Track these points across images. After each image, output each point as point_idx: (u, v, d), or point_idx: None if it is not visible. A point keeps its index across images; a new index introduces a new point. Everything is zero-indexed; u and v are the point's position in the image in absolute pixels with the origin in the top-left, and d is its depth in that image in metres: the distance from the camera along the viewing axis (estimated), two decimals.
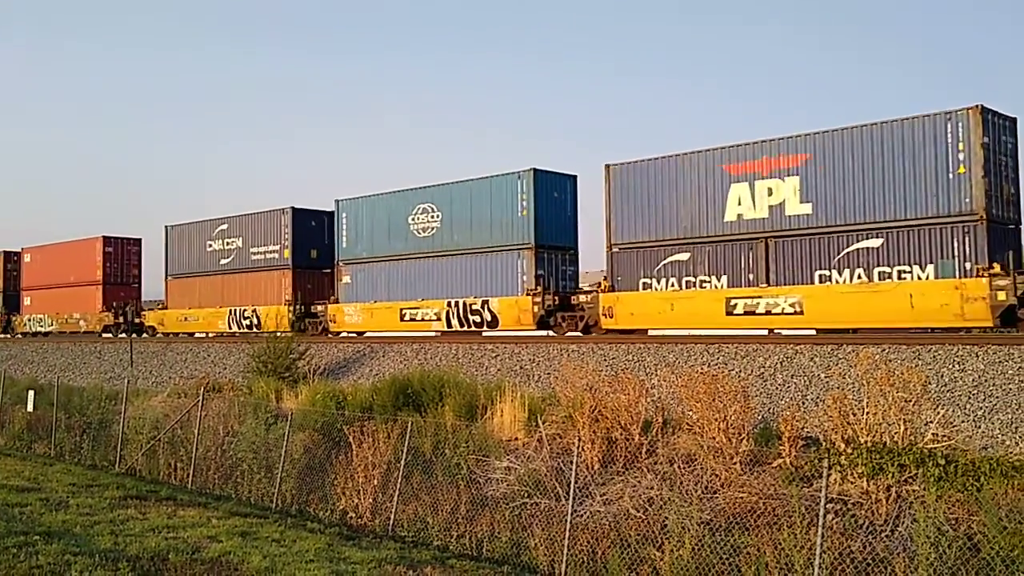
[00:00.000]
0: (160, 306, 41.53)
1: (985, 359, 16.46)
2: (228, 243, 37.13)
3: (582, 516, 11.87)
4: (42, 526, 11.94)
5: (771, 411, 15.80)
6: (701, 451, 12.32)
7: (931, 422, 11.20)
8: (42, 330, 47.35)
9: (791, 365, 18.44)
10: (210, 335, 37.84)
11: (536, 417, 14.91)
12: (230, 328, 36.45)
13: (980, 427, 14.21)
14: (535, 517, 12.08)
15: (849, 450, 10.78)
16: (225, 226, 37.49)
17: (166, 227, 40.59)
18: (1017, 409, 14.52)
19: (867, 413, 11.09)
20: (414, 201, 30.62)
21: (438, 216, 29.82)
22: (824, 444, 11.39)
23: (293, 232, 34.41)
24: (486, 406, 16.39)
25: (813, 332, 21.21)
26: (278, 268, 34.80)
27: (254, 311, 35.28)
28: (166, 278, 40.46)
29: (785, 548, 9.29)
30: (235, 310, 36.29)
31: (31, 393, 23.97)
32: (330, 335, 32.35)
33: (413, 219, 30.56)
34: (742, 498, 11.35)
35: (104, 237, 43.93)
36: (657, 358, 20.64)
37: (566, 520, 11.07)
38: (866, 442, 10.81)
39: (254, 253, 36.03)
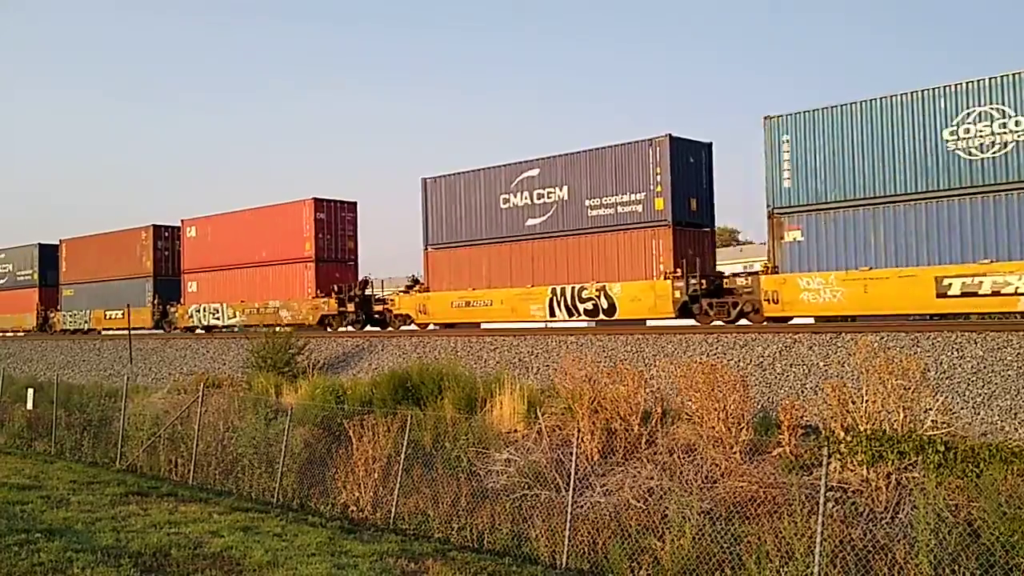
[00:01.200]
0: (416, 287, 30.77)
1: (984, 346, 16.48)
2: (541, 195, 27.09)
3: (582, 507, 11.89)
4: (43, 524, 11.95)
5: (770, 400, 15.81)
6: (701, 441, 12.33)
7: (930, 409, 11.21)
8: (219, 323, 37.21)
9: (790, 354, 18.46)
10: (503, 327, 28.07)
11: (535, 409, 14.92)
12: (552, 314, 26.61)
13: (979, 414, 14.23)
14: (535, 508, 12.10)
15: (849, 438, 10.80)
16: (534, 172, 27.43)
17: (424, 180, 30.26)
18: (1016, 395, 14.54)
19: (866, 401, 11.11)
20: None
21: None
22: (824, 432, 11.41)
23: (671, 171, 24.24)
24: (485, 399, 16.39)
25: None
26: (646, 226, 24.64)
27: (602, 290, 25.34)
28: (425, 248, 30.15)
29: (785, 536, 9.31)
30: (563, 289, 26.24)
31: (30, 391, 23.97)
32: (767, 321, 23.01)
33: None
34: (742, 487, 11.37)
35: (315, 200, 33.89)
36: (656, 348, 20.65)
37: (566, 511, 11.09)
38: (865, 430, 10.83)
39: (600, 207, 25.80)
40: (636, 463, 12.84)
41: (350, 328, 32.30)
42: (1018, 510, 8.79)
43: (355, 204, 35.28)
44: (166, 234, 41.25)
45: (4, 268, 52.13)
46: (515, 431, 15.25)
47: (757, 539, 9.62)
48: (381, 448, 13.75)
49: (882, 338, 17.35)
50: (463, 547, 11.65)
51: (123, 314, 38.19)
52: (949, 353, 16.58)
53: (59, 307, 46.83)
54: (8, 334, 50.52)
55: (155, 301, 40.32)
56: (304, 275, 33.97)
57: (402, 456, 13.25)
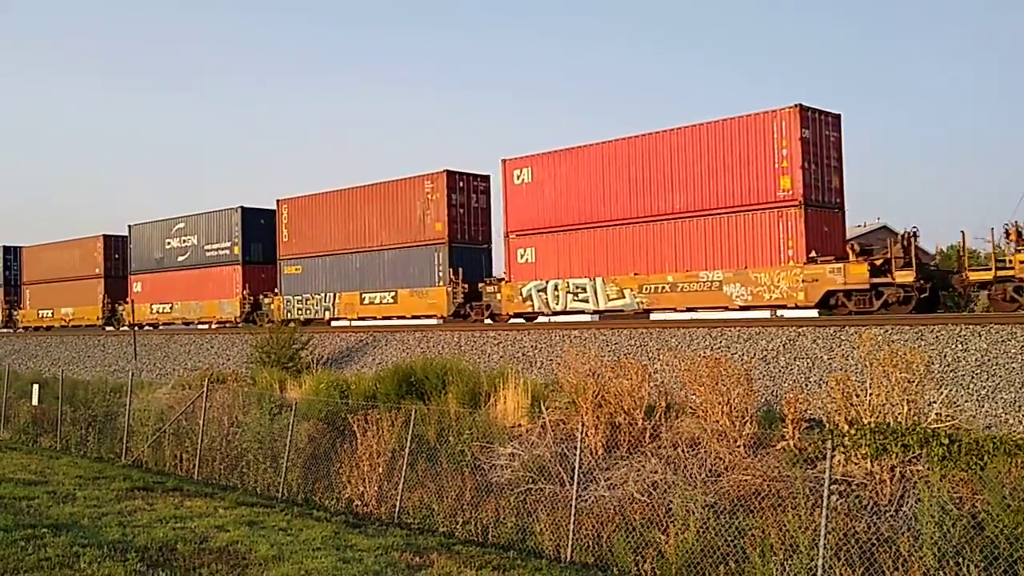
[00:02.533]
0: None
1: (988, 339, 16.46)
2: None
3: (587, 501, 11.92)
4: (50, 519, 12.00)
5: (774, 394, 15.82)
6: (705, 435, 12.35)
7: (934, 402, 11.21)
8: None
9: (793, 347, 18.46)
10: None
11: (539, 403, 14.94)
12: None
13: (983, 406, 14.22)
14: (540, 502, 12.13)
15: (853, 431, 10.80)
16: None
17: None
18: (1020, 388, 14.53)
19: (870, 394, 11.11)
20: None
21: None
22: (828, 426, 11.42)
23: None
24: (489, 393, 16.41)
25: None
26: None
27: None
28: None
29: (790, 530, 9.32)
30: None
31: (35, 387, 24.03)
32: None
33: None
34: (746, 481, 11.39)
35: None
36: (659, 342, 20.65)
37: (571, 505, 11.12)
38: (870, 423, 10.84)
39: None
40: (640, 457, 12.85)
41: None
42: (1022, 502, 8.80)
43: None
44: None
45: (186, 241, 40.86)
46: (519, 425, 15.26)
47: (761, 532, 9.64)
48: (385, 442, 13.78)
49: (886, 331, 17.34)
50: (468, 541, 11.68)
51: (392, 297, 31.39)
52: (953, 346, 16.56)
53: (279, 290, 35.94)
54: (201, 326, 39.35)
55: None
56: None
57: (406, 450, 13.28)
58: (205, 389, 17.71)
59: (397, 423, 14.09)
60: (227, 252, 38.06)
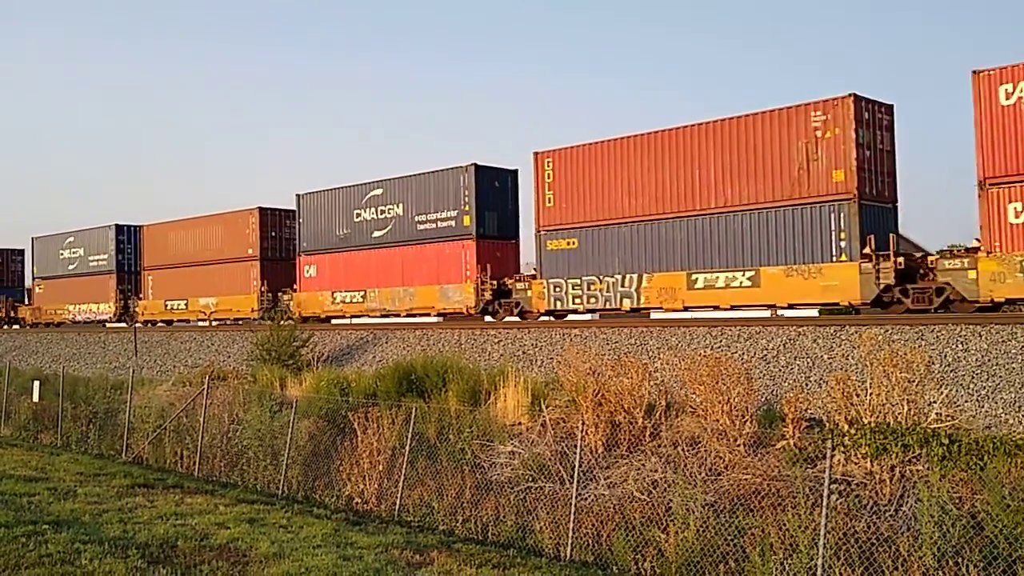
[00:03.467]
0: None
1: (988, 339, 16.47)
2: None
3: (586, 499, 11.93)
4: (51, 515, 12.02)
5: (774, 393, 15.83)
6: (705, 434, 12.36)
7: (934, 402, 11.22)
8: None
9: (794, 347, 18.47)
10: None
11: (540, 402, 14.95)
12: None
13: (983, 407, 14.23)
14: (540, 501, 12.14)
15: (853, 431, 10.82)
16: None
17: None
18: (1020, 388, 14.54)
19: (870, 394, 11.12)
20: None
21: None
22: (828, 425, 11.43)
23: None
24: (489, 391, 16.43)
25: None
26: None
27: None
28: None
29: (790, 529, 9.33)
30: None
31: (36, 383, 24.06)
32: None
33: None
34: (746, 480, 11.40)
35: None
36: (660, 341, 20.66)
37: (571, 503, 11.13)
38: (870, 423, 10.85)
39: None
40: (640, 456, 12.87)
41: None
42: (1022, 503, 8.81)
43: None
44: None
45: (386, 212, 36.99)
46: (519, 424, 15.28)
47: (761, 531, 9.65)
48: (386, 440, 13.79)
49: (887, 331, 17.35)
50: (468, 539, 11.70)
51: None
52: (953, 346, 16.57)
53: (537, 272, 29.78)
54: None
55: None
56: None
57: (407, 448, 13.29)
58: (206, 386, 17.73)
59: (397, 421, 14.10)
60: (452, 223, 29.84)
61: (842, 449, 10.72)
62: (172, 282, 41.35)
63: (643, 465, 12.56)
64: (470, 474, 13.28)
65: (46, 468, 16.38)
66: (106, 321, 44.26)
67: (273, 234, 37.39)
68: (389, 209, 32.04)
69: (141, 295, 43.40)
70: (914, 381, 10.94)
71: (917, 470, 10.26)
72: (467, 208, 29.64)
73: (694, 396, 12.94)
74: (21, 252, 55.07)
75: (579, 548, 10.90)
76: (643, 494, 11.73)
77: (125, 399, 20.03)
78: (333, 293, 33.51)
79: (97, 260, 45.90)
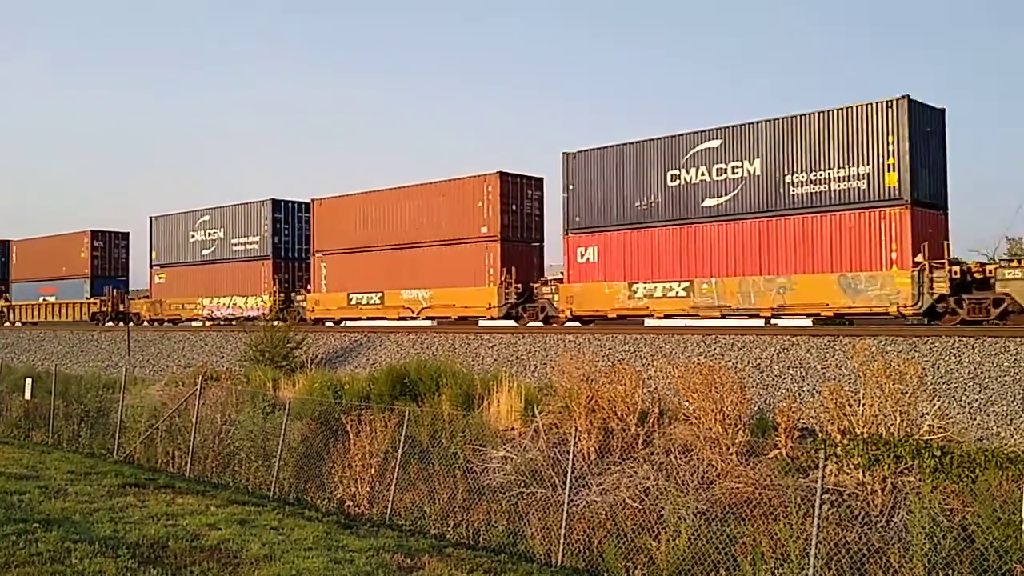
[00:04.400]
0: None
1: (981, 351, 16.52)
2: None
3: (578, 506, 11.93)
4: (41, 513, 11.98)
5: (767, 402, 15.85)
6: (697, 442, 12.37)
7: (927, 414, 11.25)
8: None
9: (787, 356, 18.50)
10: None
11: (533, 407, 14.95)
12: None
13: (976, 419, 14.27)
14: (532, 506, 12.14)
15: (845, 441, 10.83)
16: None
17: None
18: (1012, 401, 14.59)
19: (863, 404, 11.14)
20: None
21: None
22: (820, 435, 11.44)
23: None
24: (483, 396, 16.42)
25: None
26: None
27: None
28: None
29: (781, 538, 9.35)
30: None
31: (28, 381, 23.97)
32: None
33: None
34: (738, 488, 11.41)
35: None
36: (654, 348, 20.68)
37: (562, 509, 11.13)
38: (862, 433, 10.87)
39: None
40: (632, 463, 12.87)
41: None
42: (1012, 515, 8.84)
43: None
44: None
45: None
46: (512, 429, 15.28)
47: (752, 540, 9.67)
48: (378, 443, 13.78)
49: (880, 342, 17.40)
50: (459, 543, 11.69)
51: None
52: (947, 358, 16.62)
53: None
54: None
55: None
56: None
57: (399, 452, 13.28)
58: (199, 387, 17.70)
59: (390, 424, 14.09)
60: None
61: (834, 459, 10.73)
62: (356, 270, 32.96)
63: (635, 472, 12.56)
64: (462, 479, 13.27)
65: (37, 466, 16.33)
66: (258, 318, 34.46)
67: (514, 207, 28.92)
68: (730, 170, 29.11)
69: (310, 286, 34.89)
70: (907, 392, 10.97)
71: (909, 481, 10.27)
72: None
73: (687, 404, 12.95)
74: (126, 236, 48.33)
75: (570, 554, 10.90)
76: (635, 501, 11.74)
77: (117, 398, 19.98)
78: (632, 284, 25.28)
79: (244, 243, 37.67)
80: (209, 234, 39.65)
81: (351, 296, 33.17)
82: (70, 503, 12.82)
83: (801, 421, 12.55)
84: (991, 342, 16.80)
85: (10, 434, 21.95)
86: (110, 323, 42.75)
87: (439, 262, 30.12)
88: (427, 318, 30.70)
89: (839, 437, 10.99)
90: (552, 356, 20.55)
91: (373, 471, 13.63)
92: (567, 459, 11.53)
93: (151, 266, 42.84)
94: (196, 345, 32.40)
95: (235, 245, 38.34)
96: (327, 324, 33.73)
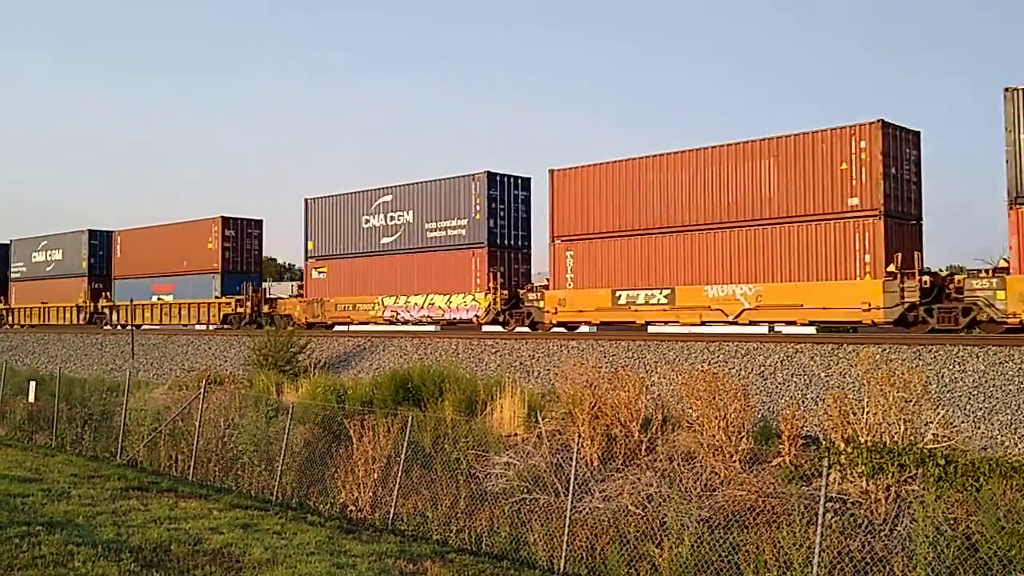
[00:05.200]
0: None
1: (985, 360, 16.49)
2: None
3: (581, 512, 11.91)
4: (44, 516, 11.99)
5: (771, 410, 15.83)
6: (701, 449, 12.35)
7: (931, 422, 11.23)
8: None
9: (791, 364, 18.47)
10: None
11: (536, 413, 14.95)
12: None
13: (980, 428, 14.24)
14: (534, 512, 12.12)
15: (849, 449, 10.81)
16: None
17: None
18: (1016, 410, 14.55)
19: (867, 413, 11.12)
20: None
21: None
22: (824, 443, 11.43)
23: None
24: (486, 401, 16.43)
25: None
26: None
27: None
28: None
29: (784, 546, 9.32)
30: None
31: (32, 384, 24.02)
32: None
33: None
34: (741, 496, 11.39)
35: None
36: (657, 355, 20.67)
37: (565, 516, 11.11)
38: (866, 442, 10.85)
39: None
40: (636, 469, 12.86)
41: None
42: (1016, 524, 8.81)
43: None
44: None
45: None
46: (515, 435, 15.28)
47: (755, 548, 9.64)
48: (381, 448, 13.76)
49: (884, 350, 17.36)
50: (462, 549, 11.66)
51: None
52: (951, 367, 16.59)
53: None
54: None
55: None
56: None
57: (402, 457, 13.27)
58: (202, 390, 17.71)
59: (393, 429, 14.08)
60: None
61: (838, 467, 10.71)
62: (623, 258, 25.97)
63: (638, 479, 12.54)
64: (465, 484, 13.25)
65: (40, 469, 16.35)
66: (469, 322, 29.62)
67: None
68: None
69: (548, 282, 28.00)
70: (911, 401, 10.95)
71: (912, 490, 10.25)
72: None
73: (691, 411, 12.94)
74: (259, 224, 41.12)
75: (573, 561, 10.87)
76: (638, 508, 11.71)
77: (121, 401, 19.99)
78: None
79: (446, 228, 30.63)
80: (392, 218, 32.47)
81: (618, 293, 25.81)
82: (73, 506, 12.83)
83: (805, 429, 12.54)
84: (995, 351, 16.77)
85: (14, 437, 21.97)
86: (252, 326, 35.55)
87: (797, 246, 22.60)
88: (751, 323, 23.42)
89: (843, 445, 10.97)
90: (556, 362, 20.55)
91: (376, 476, 13.62)
92: (570, 465, 11.51)
93: (306, 258, 36.02)
94: (200, 349, 32.43)
95: (432, 231, 31.11)
96: (576, 330, 27.43)
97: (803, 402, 16.16)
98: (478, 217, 29.59)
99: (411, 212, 31.95)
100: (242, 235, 40.37)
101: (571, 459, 11.49)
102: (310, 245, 35.79)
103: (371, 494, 13.56)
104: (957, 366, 16.55)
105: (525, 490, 12.89)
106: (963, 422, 14.34)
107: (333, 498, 13.99)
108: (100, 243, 47.28)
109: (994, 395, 15.23)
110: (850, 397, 11.67)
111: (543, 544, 11.28)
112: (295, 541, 11.21)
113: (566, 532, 10.97)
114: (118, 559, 9.81)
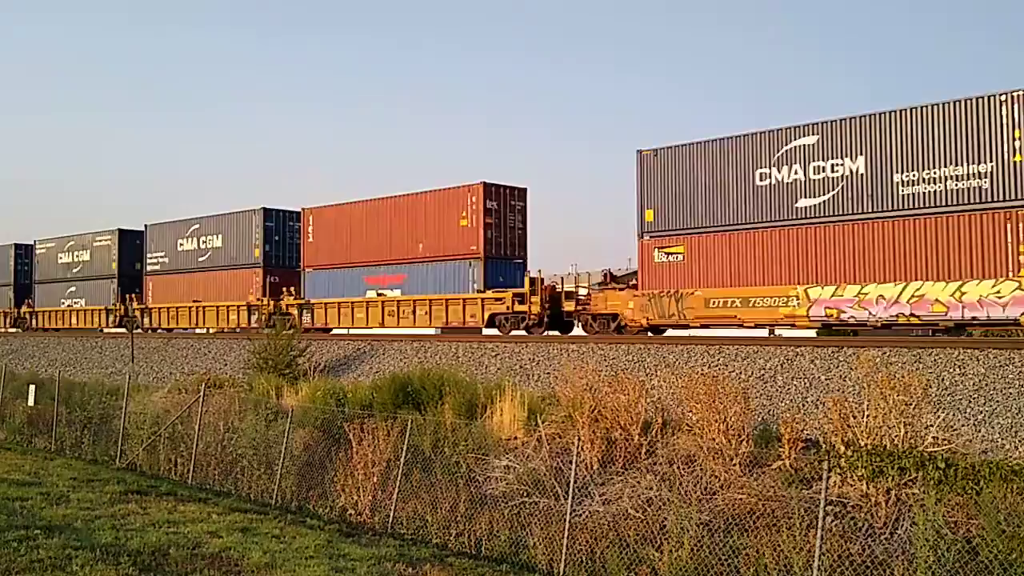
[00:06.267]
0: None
1: (986, 363, 16.47)
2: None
3: (581, 516, 11.89)
4: (43, 520, 11.98)
5: (771, 413, 15.80)
6: (701, 452, 12.33)
7: (931, 425, 11.21)
8: None
9: (791, 367, 18.45)
10: None
11: (536, 416, 14.92)
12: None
13: (980, 431, 14.21)
14: (534, 516, 12.10)
15: (849, 453, 10.79)
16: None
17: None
18: (1017, 413, 14.53)
19: (867, 416, 11.11)
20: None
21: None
22: (824, 446, 11.41)
23: None
24: (486, 405, 16.40)
25: None
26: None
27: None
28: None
29: (784, 550, 9.31)
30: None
31: (32, 387, 24.00)
32: None
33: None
34: (741, 499, 11.37)
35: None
36: (657, 359, 20.65)
37: (565, 519, 11.09)
38: (866, 445, 10.83)
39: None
40: (635, 473, 12.84)
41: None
42: (1017, 528, 8.79)
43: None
44: None
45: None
46: (515, 438, 15.25)
47: (755, 552, 9.63)
48: (381, 452, 13.75)
49: (884, 353, 17.34)
50: (461, 553, 11.65)
51: None
52: (951, 370, 16.57)
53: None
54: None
55: None
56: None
57: (402, 460, 13.26)
58: (202, 394, 17.69)
59: (393, 433, 14.06)
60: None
61: (838, 471, 10.69)
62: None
63: (638, 482, 12.52)
64: (464, 488, 13.24)
65: (39, 473, 16.33)
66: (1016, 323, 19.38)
67: None
68: None
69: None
70: (911, 404, 10.93)
71: (913, 493, 10.23)
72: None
73: (691, 414, 12.92)
74: (523, 194, 30.59)
75: (573, 564, 10.85)
76: (638, 511, 11.70)
77: (120, 405, 19.97)
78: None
79: (942, 180, 20.16)
80: (823, 168, 22.13)
81: None
82: (72, 510, 12.82)
83: (805, 432, 12.51)
84: (996, 354, 16.74)
85: (13, 440, 21.96)
86: (545, 330, 27.79)
87: None
88: None
89: (843, 448, 10.95)
90: (556, 365, 20.53)
91: (375, 480, 13.60)
92: (570, 469, 11.50)
93: (642, 234, 25.57)
94: (199, 352, 32.42)
95: (914, 184, 20.80)
96: None
97: (803, 405, 16.14)
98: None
99: (857, 157, 21.69)
100: (505, 208, 30.26)
101: (571, 462, 11.48)
102: (648, 215, 25.69)
103: (371, 498, 13.54)
104: (957, 369, 16.53)
105: (525, 494, 12.87)
106: (963, 425, 14.31)
107: (332, 502, 13.98)
108: (277, 225, 37.28)
109: (994, 398, 15.20)
110: (850, 400, 11.66)
111: (543, 548, 11.26)
112: (294, 545, 11.19)
113: (566, 536, 10.96)
114: (116, 563, 9.80)
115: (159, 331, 41.13)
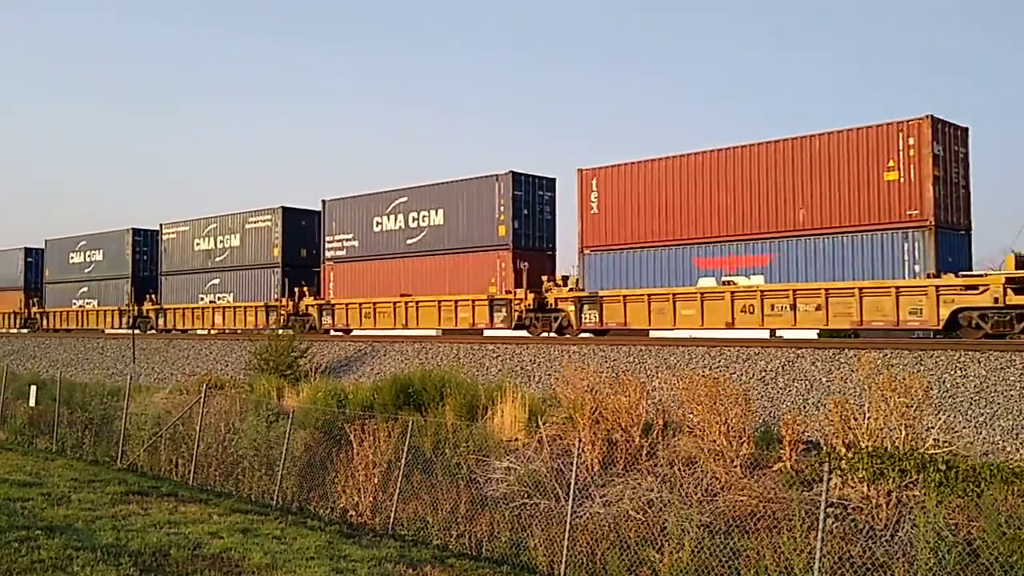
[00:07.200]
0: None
1: (987, 365, 16.46)
2: None
3: (582, 517, 11.89)
4: (44, 521, 11.99)
5: (772, 415, 15.81)
6: (702, 454, 12.33)
7: (932, 427, 11.21)
8: None
9: (792, 369, 18.45)
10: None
11: (537, 418, 14.93)
12: None
13: (981, 433, 14.21)
14: (535, 517, 12.11)
15: (850, 454, 10.79)
16: None
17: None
18: (1018, 415, 14.52)
19: (868, 418, 11.11)
20: None
21: None
22: (825, 448, 11.41)
23: None
24: (487, 406, 16.40)
25: None
26: None
27: None
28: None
29: (785, 552, 9.31)
30: None
31: (33, 388, 24.02)
32: None
33: None
34: (742, 501, 11.37)
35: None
36: (658, 360, 20.65)
37: (566, 521, 11.09)
38: (867, 447, 10.83)
39: None
40: (636, 474, 12.84)
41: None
42: (1018, 530, 8.79)
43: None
44: None
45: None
46: (516, 439, 15.25)
47: (756, 554, 9.62)
48: (382, 453, 13.76)
49: (885, 355, 17.34)
50: (462, 554, 11.66)
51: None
52: (952, 372, 16.56)
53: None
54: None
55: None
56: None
57: (402, 461, 13.26)
58: (203, 395, 17.71)
59: (394, 434, 14.07)
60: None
61: (839, 473, 10.69)
62: None
63: (639, 484, 12.52)
64: (465, 489, 13.25)
65: (41, 473, 16.35)
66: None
67: None
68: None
69: None
70: (912, 406, 10.93)
71: (914, 495, 10.23)
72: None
73: (691, 416, 12.92)
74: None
75: (573, 566, 10.86)
76: (638, 513, 11.70)
77: (121, 405, 19.99)
78: None
79: None
80: None
81: None
82: (73, 510, 12.83)
83: (806, 434, 12.52)
84: (997, 356, 16.73)
85: (14, 441, 21.98)
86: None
87: None
88: None
89: (844, 450, 10.95)
90: (557, 367, 20.53)
91: (376, 481, 13.61)
92: (570, 470, 11.50)
93: None
94: (201, 353, 32.44)
95: None
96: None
97: (804, 407, 16.14)
98: None
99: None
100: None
101: (572, 464, 11.48)
102: None
103: (371, 499, 13.55)
104: (959, 371, 16.53)
105: (525, 495, 12.87)
106: (964, 427, 14.31)
107: (333, 503, 13.98)
108: (526, 195, 28.81)
109: (995, 400, 15.20)
110: (851, 402, 11.65)
111: (543, 549, 11.27)
112: (295, 546, 11.20)
113: (566, 537, 10.95)
114: (117, 563, 9.81)
115: (341, 332, 33.16)
